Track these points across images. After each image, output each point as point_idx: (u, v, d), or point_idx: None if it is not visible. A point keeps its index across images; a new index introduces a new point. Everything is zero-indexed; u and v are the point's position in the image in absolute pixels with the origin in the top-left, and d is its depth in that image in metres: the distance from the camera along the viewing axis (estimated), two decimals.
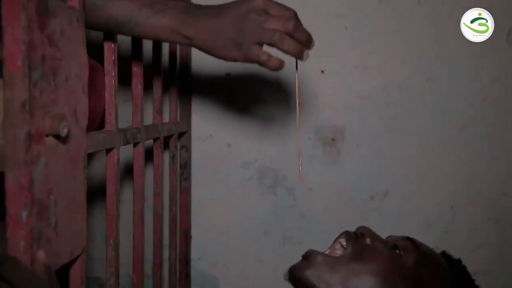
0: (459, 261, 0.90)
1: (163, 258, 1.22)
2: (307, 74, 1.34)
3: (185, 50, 1.31)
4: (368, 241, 0.81)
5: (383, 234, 1.31)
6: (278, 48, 0.76)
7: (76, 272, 0.67)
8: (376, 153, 1.32)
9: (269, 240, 1.38)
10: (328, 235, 1.34)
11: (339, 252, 0.82)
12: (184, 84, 1.32)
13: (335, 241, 0.83)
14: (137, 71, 0.95)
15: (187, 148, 1.33)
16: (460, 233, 1.29)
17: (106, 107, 0.83)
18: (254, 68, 1.34)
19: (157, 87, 1.07)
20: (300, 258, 0.86)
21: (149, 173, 1.14)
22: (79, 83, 0.64)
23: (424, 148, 1.30)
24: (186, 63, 1.32)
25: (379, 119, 1.32)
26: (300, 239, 1.36)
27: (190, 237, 1.36)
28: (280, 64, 0.76)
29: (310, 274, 0.77)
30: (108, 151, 0.83)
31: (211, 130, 1.39)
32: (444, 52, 1.28)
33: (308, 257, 0.79)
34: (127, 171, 1.29)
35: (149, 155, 1.12)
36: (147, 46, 1.06)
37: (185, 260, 1.33)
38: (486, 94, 1.27)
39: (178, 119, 1.27)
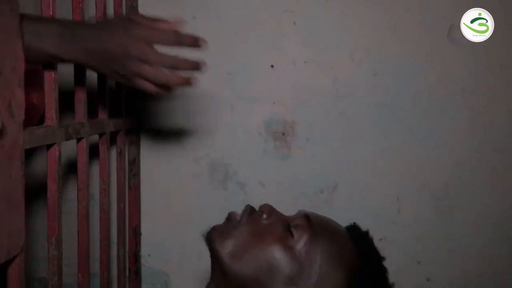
0: (366, 234, 0.85)
1: (112, 256, 1.20)
2: (257, 68, 1.34)
3: None
4: (264, 218, 0.78)
5: None
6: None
7: (13, 272, 0.65)
8: (325, 147, 1.34)
9: None
10: None
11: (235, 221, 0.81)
12: None
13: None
14: None
15: (135, 144, 1.31)
16: (406, 224, 1.32)
17: (46, 101, 0.80)
18: (205, 62, 1.33)
19: (101, 81, 1.04)
20: None
21: (96, 170, 1.12)
22: (15, 76, 0.61)
23: (371, 142, 1.33)
24: None
25: (328, 114, 1.34)
26: None
27: (139, 233, 1.34)
28: (170, 89, 0.76)
29: (218, 239, 0.78)
30: (48, 147, 0.81)
31: (159, 126, 1.37)
32: (391, 48, 1.31)
33: (227, 219, 0.81)
34: (73, 168, 1.26)
35: (95, 151, 1.10)
36: None
37: (135, 257, 1.31)
38: (431, 90, 1.31)
39: (125, 114, 1.24)
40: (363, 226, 1.34)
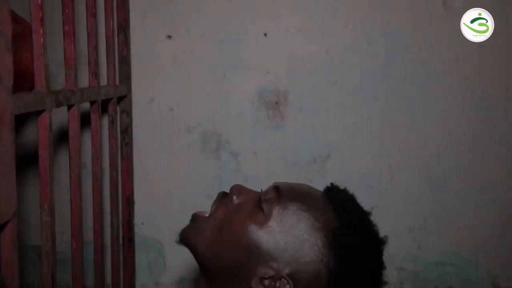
0: (343, 191, 0.80)
1: (105, 224, 1.20)
2: (250, 37, 1.33)
3: (123, 8, 1.25)
4: (234, 199, 0.75)
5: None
6: None
7: (6, 238, 0.65)
8: (318, 116, 1.34)
9: None
10: None
11: (204, 213, 0.78)
12: (122, 45, 1.27)
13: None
14: (68, 30, 0.90)
15: (127, 112, 1.30)
16: (398, 191, 1.34)
17: (34, 67, 0.78)
18: (197, 30, 1.31)
19: (92, 48, 1.02)
20: None
21: (88, 139, 1.11)
22: (2, 40, 0.60)
23: (364, 112, 1.33)
24: (124, 23, 1.27)
25: (321, 82, 1.33)
26: None
27: (133, 202, 1.34)
28: None
29: (191, 236, 0.76)
30: (39, 113, 0.80)
31: (152, 94, 1.36)
32: (385, 16, 1.30)
33: (192, 219, 0.78)
34: (65, 136, 1.25)
35: (87, 120, 1.09)
36: (81, 4, 1.01)
37: (128, 226, 1.31)
38: (424, 59, 1.30)
39: (117, 82, 1.23)
40: (356, 195, 1.35)
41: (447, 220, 1.32)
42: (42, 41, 0.77)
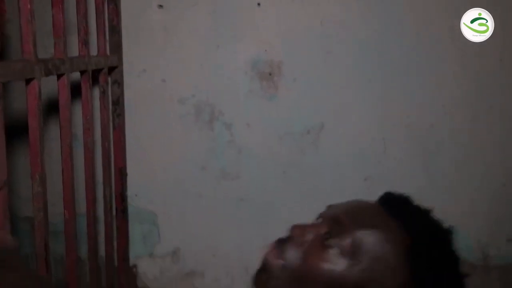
0: (404, 201, 0.75)
1: (98, 196, 1.20)
2: (243, 7, 1.30)
3: None
4: (299, 242, 0.70)
5: (320, 168, 1.36)
6: None
7: None
8: (312, 87, 1.33)
9: (207, 175, 1.39)
10: (266, 169, 1.37)
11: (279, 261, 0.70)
12: (112, 15, 1.25)
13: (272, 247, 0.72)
14: None
15: (119, 83, 1.28)
16: (391, 163, 1.34)
17: (22, 35, 0.77)
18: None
19: (81, 16, 1.00)
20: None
21: (79, 110, 1.10)
22: None
23: (358, 83, 1.32)
24: None
25: (316, 53, 1.32)
26: (238, 174, 1.38)
27: (125, 174, 1.34)
28: None
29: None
30: (28, 82, 0.78)
31: (144, 65, 1.34)
32: None
33: (265, 266, 0.69)
34: (55, 108, 1.24)
35: (77, 91, 1.07)
36: None
37: (121, 197, 1.31)
38: (418, 28, 1.29)
39: (108, 52, 1.21)
40: (349, 166, 1.36)
41: (438, 190, 1.33)
42: (29, 7, 0.76)
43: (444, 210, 1.40)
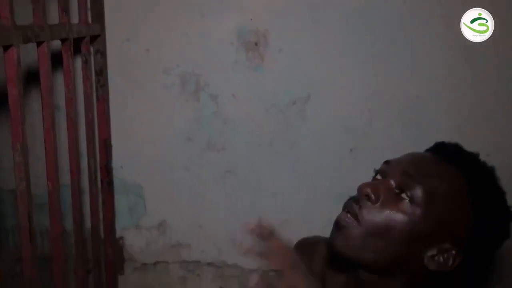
0: (455, 148, 0.83)
1: (83, 167, 1.19)
2: None
3: None
4: (373, 199, 0.76)
5: (306, 140, 1.36)
6: None
7: None
8: (298, 58, 1.32)
9: (193, 146, 1.38)
10: (252, 141, 1.37)
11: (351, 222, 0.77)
12: None
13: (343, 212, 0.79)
14: None
15: (101, 53, 1.25)
16: (377, 134, 1.34)
17: None
18: None
19: None
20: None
21: (61, 80, 1.07)
22: None
23: (345, 53, 1.30)
24: None
25: (302, 23, 1.30)
26: (224, 145, 1.37)
27: (110, 145, 1.33)
28: None
29: (349, 248, 0.76)
30: (5, 48, 0.76)
31: (127, 35, 1.31)
32: None
33: (338, 227, 0.77)
34: (36, 79, 1.21)
35: (59, 60, 1.04)
36: None
37: (106, 169, 1.30)
38: None
39: (90, 21, 1.18)
40: (335, 137, 1.36)
41: None
42: None
43: None
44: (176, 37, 1.32)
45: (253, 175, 1.38)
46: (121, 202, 1.42)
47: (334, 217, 1.35)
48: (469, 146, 1.31)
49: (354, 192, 1.37)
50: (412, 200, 0.74)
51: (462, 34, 1.26)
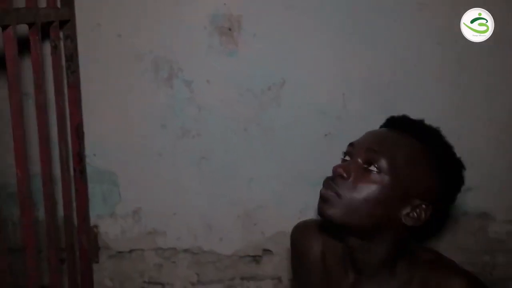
0: (403, 119, 0.95)
1: (54, 156, 1.17)
2: None
3: None
4: (346, 177, 0.87)
5: (281, 125, 1.36)
6: None
7: None
8: (273, 43, 1.31)
9: (167, 133, 1.37)
10: (227, 127, 1.36)
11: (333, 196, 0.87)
12: None
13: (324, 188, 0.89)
14: None
15: (71, 38, 1.22)
16: (351, 118, 1.35)
17: None
18: None
19: None
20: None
21: (29, 66, 1.04)
22: None
23: (319, 38, 1.30)
24: None
25: (276, 7, 1.29)
26: (198, 131, 1.36)
27: (82, 133, 1.30)
28: None
29: (338, 215, 0.86)
30: None
31: (98, 19, 1.29)
32: None
33: (324, 199, 0.88)
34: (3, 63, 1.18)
35: (26, 46, 1.01)
36: None
37: (79, 157, 1.28)
38: None
39: (58, 5, 1.15)
40: (310, 122, 1.36)
41: None
42: None
43: None
44: (148, 22, 1.30)
45: (228, 161, 1.38)
46: (95, 190, 1.40)
47: (310, 202, 1.39)
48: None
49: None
50: (379, 170, 0.85)
51: (436, 22, 1.27)
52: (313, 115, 1.35)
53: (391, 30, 1.30)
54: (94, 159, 1.38)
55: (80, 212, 1.33)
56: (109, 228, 1.43)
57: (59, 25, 1.13)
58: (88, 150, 1.36)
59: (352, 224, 0.87)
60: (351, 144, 0.93)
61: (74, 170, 1.29)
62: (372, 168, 0.86)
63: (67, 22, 1.20)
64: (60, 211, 1.26)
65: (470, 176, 0.94)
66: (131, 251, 1.45)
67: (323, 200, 0.88)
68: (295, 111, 1.35)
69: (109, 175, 1.40)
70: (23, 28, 0.97)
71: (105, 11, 1.29)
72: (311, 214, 1.40)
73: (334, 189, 0.86)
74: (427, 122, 0.94)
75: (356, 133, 1.35)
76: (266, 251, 1.43)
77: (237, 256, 1.44)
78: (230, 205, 1.40)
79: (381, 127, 0.99)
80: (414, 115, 1.32)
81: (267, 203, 1.40)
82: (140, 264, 1.46)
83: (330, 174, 1.38)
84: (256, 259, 1.44)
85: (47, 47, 1.15)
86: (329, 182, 0.88)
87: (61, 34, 1.18)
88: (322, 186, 0.89)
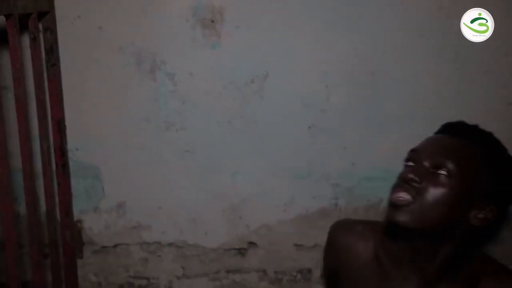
0: (461, 124, 1.00)
1: (36, 150, 1.15)
2: None
3: None
4: (418, 180, 0.90)
5: (265, 118, 1.35)
6: None
7: None
8: (256, 35, 1.31)
9: (151, 127, 1.36)
10: (211, 119, 1.36)
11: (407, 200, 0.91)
12: None
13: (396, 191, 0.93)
14: None
15: (51, 30, 1.21)
16: (334, 111, 1.35)
17: None
18: None
19: None
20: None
21: (8, 59, 1.03)
22: None
23: (302, 30, 1.30)
24: None
25: None
26: (182, 125, 1.36)
27: (64, 127, 1.29)
28: None
29: (411, 221, 0.90)
30: None
31: (78, 11, 1.27)
32: None
33: (395, 206, 0.91)
34: None
35: (4, 39, 1.00)
36: None
37: (61, 151, 1.27)
38: None
39: None
40: (293, 115, 1.36)
41: (379, 137, 1.36)
42: None
43: (384, 157, 1.46)
44: (130, 14, 1.28)
45: (212, 154, 1.37)
46: (78, 184, 1.39)
47: (294, 194, 1.39)
48: (421, 121, 1.36)
49: (313, 169, 1.40)
50: (448, 173, 0.89)
51: (417, 14, 1.28)
52: (297, 108, 1.35)
53: (374, 22, 1.30)
54: (76, 154, 1.36)
55: (63, 207, 1.32)
56: (93, 223, 1.42)
57: (38, 17, 1.11)
58: (71, 145, 1.35)
59: (425, 228, 0.90)
60: (414, 150, 0.96)
61: (56, 165, 1.27)
62: (441, 171, 0.90)
63: (47, 14, 1.18)
64: (43, 207, 1.25)
65: None
66: (115, 245, 1.44)
67: (396, 207, 0.90)
68: (279, 103, 1.35)
69: (92, 169, 1.38)
70: (0, 20, 0.95)
71: (86, 3, 1.27)
72: (296, 206, 1.41)
73: (407, 195, 0.89)
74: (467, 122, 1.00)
75: (339, 125, 1.36)
76: (251, 244, 1.44)
77: (222, 249, 1.44)
78: (215, 199, 1.40)
79: (436, 133, 1.03)
80: (395, 107, 1.35)
81: (252, 196, 1.40)
82: (125, 258, 1.45)
83: (314, 167, 1.39)
84: (241, 252, 1.44)
85: (26, 40, 1.13)
86: (400, 189, 0.91)
87: (40, 26, 1.16)
88: (391, 194, 0.92)
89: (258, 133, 1.36)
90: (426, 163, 0.91)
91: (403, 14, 1.29)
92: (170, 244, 1.43)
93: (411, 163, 0.95)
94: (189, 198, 1.40)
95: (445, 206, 0.89)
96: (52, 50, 1.21)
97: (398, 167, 1.37)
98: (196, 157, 1.37)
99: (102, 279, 1.46)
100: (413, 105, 1.35)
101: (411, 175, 0.90)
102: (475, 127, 0.98)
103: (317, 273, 1.45)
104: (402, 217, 0.89)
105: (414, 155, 0.95)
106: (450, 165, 0.89)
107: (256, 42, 1.31)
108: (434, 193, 0.89)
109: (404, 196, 0.89)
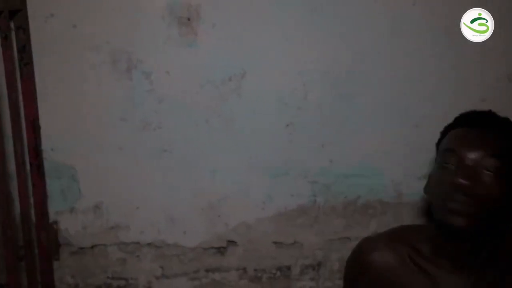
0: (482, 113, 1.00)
1: (9, 150, 1.13)
2: None
3: None
4: (472, 183, 0.91)
5: (242, 116, 1.35)
6: None
7: None
8: (233, 33, 1.30)
9: (127, 126, 1.34)
10: (188, 118, 1.35)
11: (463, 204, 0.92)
12: None
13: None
14: None
15: (24, 29, 1.18)
16: (312, 109, 1.36)
17: None
18: None
19: None
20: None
21: None
22: None
23: (279, 28, 1.31)
24: None
25: None
26: (159, 124, 1.35)
27: (38, 127, 1.27)
28: None
29: (465, 226, 0.92)
30: None
31: (51, 9, 1.24)
32: None
33: (454, 214, 0.92)
34: None
35: None
36: None
37: (35, 151, 1.25)
38: None
39: None
40: (271, 113, 1.37)
41: (356, 135, 1.37)
42: None
43: (362, 154, 1.48)
44: (105, 12, 1.27)
45: (190, 153, 1.37)
46: (53, 185, 1.36)
47: (272, 192, 1.40)
48: (397, 117, 1.38)
49: (291, 167, 1.41)
50: (495, 171, 0.91)
51: (391, 11, 1.29)
52: (274, 106, 1.36)
53: (351, 21, 1.31)
54: (51, 154, 1.34)
55: (38, 208, 1.30)
56: (70, 224, 1.40)
57: (9, 15, 1.09)
58: (45, 145, 1.33)
59: (482, 228, 0.92)
60: (450, 150, 0.96)
61: (31, 165, 1.25)
62: (486, 170, 0.91)
63: (18, 12, 1.16)
64: (18, 208, 1.22)
65: None
66: (93, 246, 1.42)
67: (453, 213, 0.91)
68: (256, 101, 1.35)
69: (68, 169, 1.36)
70: None
71: (59, 1, 1.25)
72: (274, 204, 1.41)
73: (464, 200, 0.91)
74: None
75: (317, 123, 1.37)
76: (231, 242, 1.44)
77: (202, 248, 1.44)
78: (193, 198, 1.40)
79: (449, 126, 1.02)
80: (371, 105, 1.36)
81: (230, 195, 1.40)
82: (103, 259, 1.43)
83: (292, 165, 1.39)
84: (220, 250, 1.44)
85: None
86: (456, 196, 0.91)
87: (12, 25, 1.13)
88: (448, 201, 0.92)
89: (235, 132, 1.36)
90: (468, 163, 0.93)
91: (378, 12, 1.31)
92: (148, 244, 1.42)
93: (449, 165, 0.95)
94: (167, 197, 1.39)
95: (496, 204, 0.91)
96: (25, 49, 1.19)
97: (375, 163, 1.40)
98: (174, 156, 1.37)
99: (79, 280, 1.44)
100: (389, 102, 1.37)
101: (462, 181, 0.91)
102: (504, 119, 1.00)
103: (296, 270, 1.46)
104: (463, 223, 0.91)
105: (452, 155, 0.95)
106: (493, 162, 0.91)
107: (233, 40, 1.31)
108: (485, 194, 0.91)
109: (460, 204, 0.91)
